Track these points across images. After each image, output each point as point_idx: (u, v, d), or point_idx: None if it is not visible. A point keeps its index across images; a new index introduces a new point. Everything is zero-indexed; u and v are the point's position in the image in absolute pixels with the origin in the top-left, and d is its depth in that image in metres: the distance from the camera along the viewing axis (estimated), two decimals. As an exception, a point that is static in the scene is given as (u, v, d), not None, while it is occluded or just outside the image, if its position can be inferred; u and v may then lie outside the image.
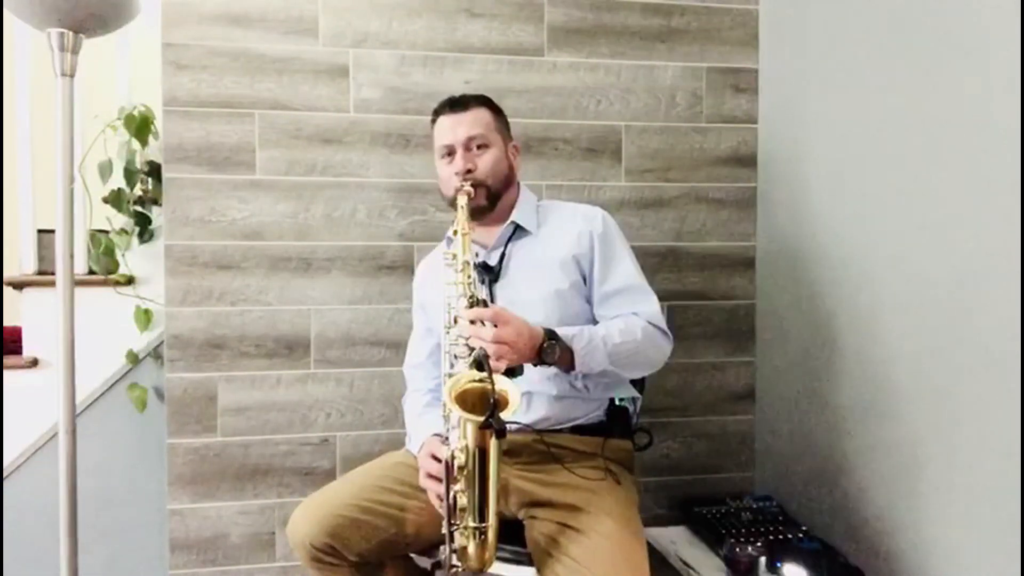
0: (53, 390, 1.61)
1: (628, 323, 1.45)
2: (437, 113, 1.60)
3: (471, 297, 1.33)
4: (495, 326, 1.26)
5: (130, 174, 2.05)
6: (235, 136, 1.89)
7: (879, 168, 1.63)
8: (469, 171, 1.53)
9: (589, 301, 1.55)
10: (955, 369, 1.43)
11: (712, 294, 2.12)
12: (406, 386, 1.72)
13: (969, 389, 1.40)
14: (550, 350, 1.33)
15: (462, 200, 1.47)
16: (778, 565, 1.56)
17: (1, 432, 1.87)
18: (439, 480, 1.30)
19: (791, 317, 1.96)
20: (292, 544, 1.43)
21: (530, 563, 1.37)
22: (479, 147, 1.55)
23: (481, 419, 1.15)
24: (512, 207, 1.60)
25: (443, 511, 1.28)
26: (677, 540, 1.83)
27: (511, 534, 1.40)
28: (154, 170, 2.06)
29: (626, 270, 1.54)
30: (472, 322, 1.27)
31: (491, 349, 1.24)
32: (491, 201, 1.56)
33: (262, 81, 1.90)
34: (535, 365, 1.34)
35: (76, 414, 1.64)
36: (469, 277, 1.37)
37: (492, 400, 1.14)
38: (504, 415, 1.15)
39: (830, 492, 1.79)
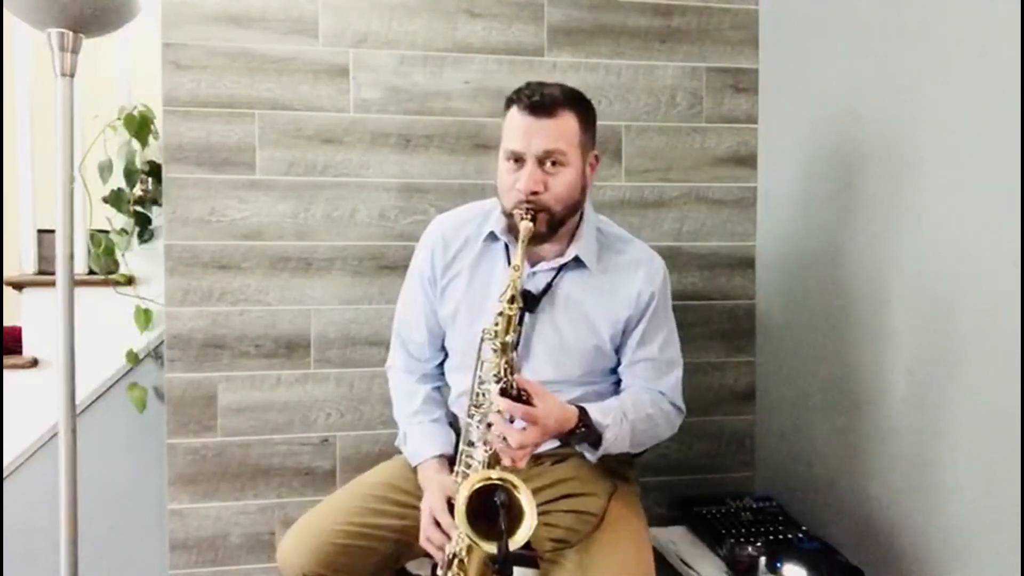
0: (53, 390, 1.61)
1: (655, 405, 1.43)
2: (514, 102, 1.35)
3: (505, 383, 1.23)
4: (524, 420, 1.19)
5: (130, 174, 2.05)
6: (235, 136, 1.89)
7: (879, 168, 1.63)
8: (535, 192, 1.31)
9: (618, 351, 1.48)
10: (956, 369, 1.43)
11: (712, 294, 2.11)
12: (392, 350, 1.64)
13: (970, 389, 1.40)
14: (581, 437, 1.30)
15: (524, 231, 1.29)
16: (778, 565, 1.56)
17: (1, 432, 1.87)
18: (440, 550, 1.29)
19: (791, 317, 1.96)
20: (284, 574, 1.37)
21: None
22: (554, 164, 1.33)
23: (491, 549, 1.12)
24: (572, 233, 1.43)
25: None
26: (677, 540, 1.83)
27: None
28: (154, 170, 2.06)
29: (666, 339, 1.48)
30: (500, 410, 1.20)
31: (513, 453, 1.20)
32: (552, 229, 1.36)
33: (262, 81, 1.90)
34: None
35: (76, 414, 1.64)
36: (508, 362, 1.24)
37: (503, 557, 1.11)
38: (517, 537, 1.13)
39: (830, 492, 1.79)
